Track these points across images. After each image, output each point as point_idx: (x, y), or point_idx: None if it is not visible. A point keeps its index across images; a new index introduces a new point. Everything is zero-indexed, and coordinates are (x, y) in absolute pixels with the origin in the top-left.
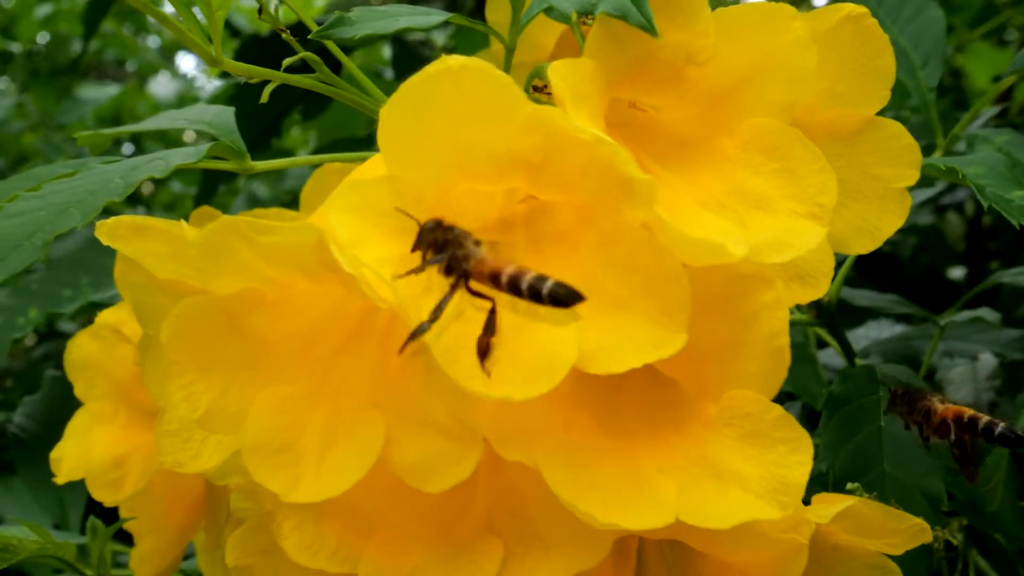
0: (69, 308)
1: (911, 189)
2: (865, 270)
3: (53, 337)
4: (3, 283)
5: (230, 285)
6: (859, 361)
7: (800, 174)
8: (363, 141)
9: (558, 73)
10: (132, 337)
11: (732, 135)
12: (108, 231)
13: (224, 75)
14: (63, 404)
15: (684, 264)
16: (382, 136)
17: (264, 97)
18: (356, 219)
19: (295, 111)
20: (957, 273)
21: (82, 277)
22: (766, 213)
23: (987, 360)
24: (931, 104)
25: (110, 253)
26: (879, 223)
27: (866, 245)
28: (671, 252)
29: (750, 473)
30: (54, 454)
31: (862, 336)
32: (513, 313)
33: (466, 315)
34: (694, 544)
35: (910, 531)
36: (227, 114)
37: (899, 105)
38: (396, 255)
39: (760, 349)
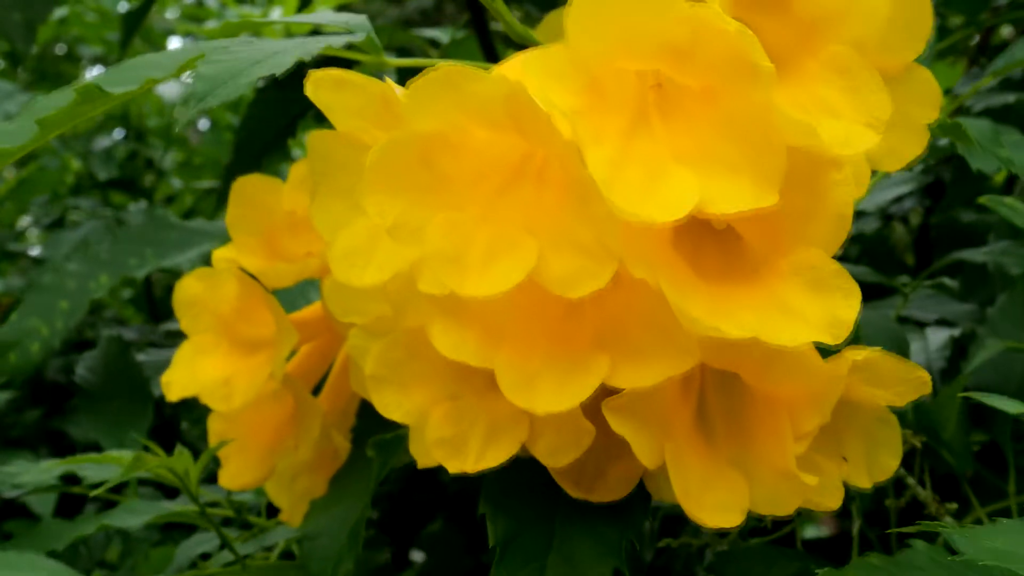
0: (139, 273)
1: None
2: None
3: None
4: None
5: (427, 125)
6: None
7: (863, 92)
8: None
9: None
10: (247, 266)
11: (816, 58)
12: (315, 81)
13: None
14: (118, 359)
15: None
16: (569, 15)
17: None
18: (543, 76)
19: (310, 114)
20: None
21: (146, 248)
22: (836, 119)
23: (938, 335)
24: None
25: (170, 228)
26: (904, 149)
27: (893, 165)
28: (776, 128)
29: (812, 310)
30: (164, 379)
31: None
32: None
33: (620, 160)
34: (748, 376)
35: (916, 382)
36: (363, 19)
37: None
38: (571, 106)
39: (829, 215)
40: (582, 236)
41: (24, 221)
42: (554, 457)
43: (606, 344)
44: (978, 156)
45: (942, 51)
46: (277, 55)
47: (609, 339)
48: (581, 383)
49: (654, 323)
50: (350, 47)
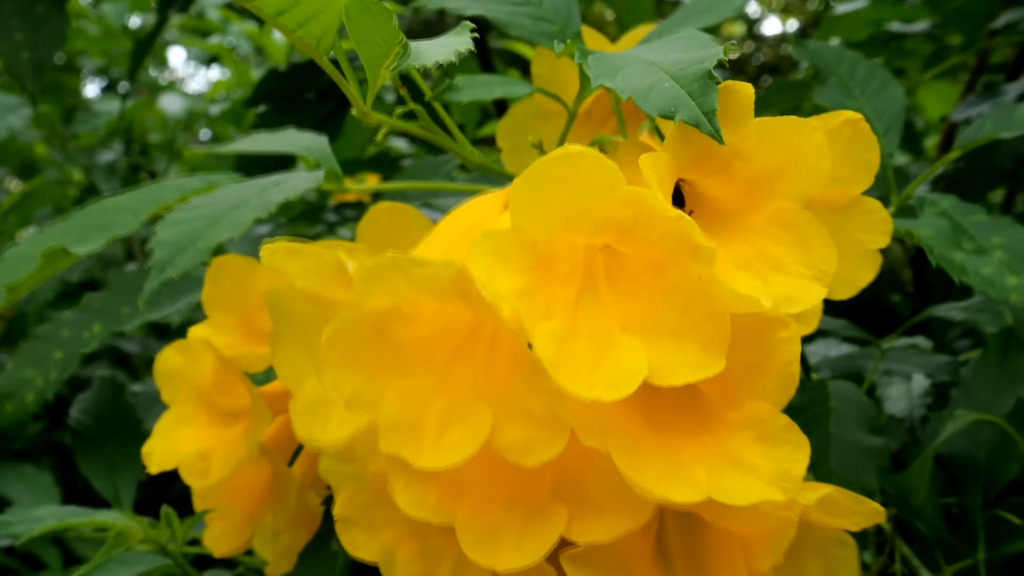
0: (129, 325)
1: None
2: None
3: None
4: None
5: (380, 303)
6: (814, 375)
7: (810, 246)
8: (365, 162)
9: (647, 164)
10: (221, 348)
11: (761, 213)
12: (270, 251)
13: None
14: (112, 400)
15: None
16: (513, 198)
17: (379, 137)
18: (489, 261)
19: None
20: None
21: (137, 297)
22: (783, 275)
23: (920, 381)
24: (889, 167)
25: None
26: (858, 277)
27: (846, 293)
28: (720, 299)
29: (762, 465)
30: (145, 449)
31: (813, 352)
32: (601, 337)
33: (568, 335)
34: (708, 517)
35: (868, 512)
36: (323, 142)
37: None
38: (517, 288)
39: (776, 372)
40: (533, 407)
41: (27, 233)
42: None
43: (564, 497)
44: (937, 254)
45: (939, 74)
46: (236, 211)
47: (566, 492)
48: (540, 539)
49: (610, 479)
50: (314, 165)
